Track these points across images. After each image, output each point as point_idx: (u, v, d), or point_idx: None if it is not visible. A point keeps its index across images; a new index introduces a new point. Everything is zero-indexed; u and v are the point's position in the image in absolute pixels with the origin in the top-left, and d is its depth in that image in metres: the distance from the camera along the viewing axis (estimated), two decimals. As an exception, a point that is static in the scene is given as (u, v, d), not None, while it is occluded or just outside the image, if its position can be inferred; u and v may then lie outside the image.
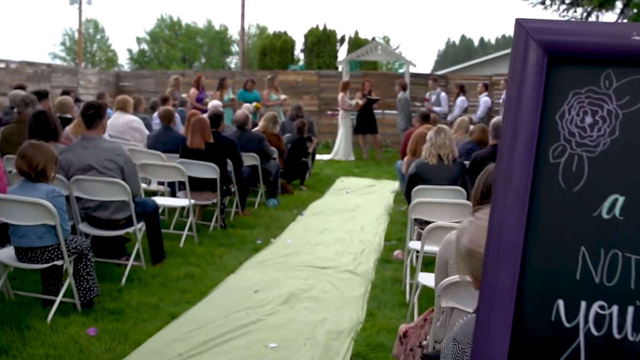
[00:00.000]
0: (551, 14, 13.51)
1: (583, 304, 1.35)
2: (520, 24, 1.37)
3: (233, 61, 57.48)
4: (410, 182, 6.66)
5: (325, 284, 5.98)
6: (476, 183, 3.24)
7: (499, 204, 1.38)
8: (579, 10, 12.91)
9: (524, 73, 1.38)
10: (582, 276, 1.35)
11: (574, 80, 1.36)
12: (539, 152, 1.37)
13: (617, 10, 13.63)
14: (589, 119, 1.35)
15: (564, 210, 1.37)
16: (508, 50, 33.81)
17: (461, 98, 14.90)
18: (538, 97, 1.36)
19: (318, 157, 14.17)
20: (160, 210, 6.52)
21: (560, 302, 1.36)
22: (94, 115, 5.64)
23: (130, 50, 57.80)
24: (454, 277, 3.08)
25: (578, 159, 1.36)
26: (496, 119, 7.56)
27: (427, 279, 4.68)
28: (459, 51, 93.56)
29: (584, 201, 1.36)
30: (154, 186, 8.35)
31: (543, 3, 13.29)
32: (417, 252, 5.89)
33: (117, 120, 9.22)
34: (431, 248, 4.76)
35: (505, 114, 1.40)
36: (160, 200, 7.17)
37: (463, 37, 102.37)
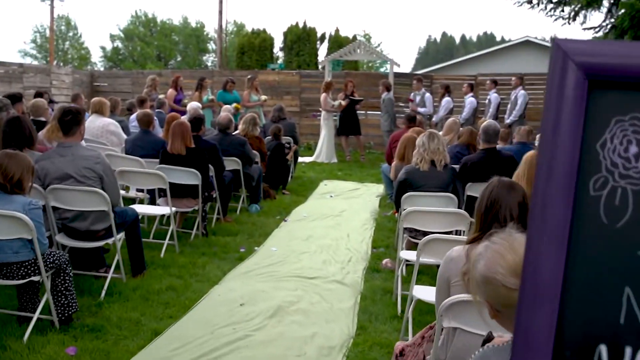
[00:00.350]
0: (538, 12, 13.55)
1: (628, 350, 1.27)
2: (558, 44, 1.28)
3: (210, 59, 57.18)
4: (400, 189, 6.59)
5: (313, 295, 5.88)
6: (480, 196, 3.17)
7: (535, 241, 1.30)
8: (567, 9, 12.93)
9: (562, 98, 1.29)
10: (627, 320, 1.27)
11: (616, 107, 1.28)
12: (578, 184, 1.28)
13: (604, 10, 13.68)
14: (633, 149, 1.27)
15: (606, 247, 1.28)
16: (491, 49, 34.00)
17: (446, 99, 14.88)
18: (578, 124, 1.27)
19: (300, 159, 14.06)
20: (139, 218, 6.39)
21: (603, 348, 1.28)
22: (71, 121, 5.49)
23: (103, 48, 57.33)
24: (458, 297, 3.00)
25: (622, 192, 1.27)
26: (487, 122, 7.51)
27: (421, 292, 4.60)
28: (440, 48, 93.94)
29: (628, 238, 1.27)
30: (132, 193, 8.21)
31: (530, 2, 13.29)
32: (407, 261, 5.85)
33: (93, 124, 9.05)
34: (425, 259, 4.68)
35: (540, 142, 1.31)
36: (140, 209, 7.03)
37: (444, 34, 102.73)
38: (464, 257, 3.06)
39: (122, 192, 7.44)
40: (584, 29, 13.29)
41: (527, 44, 31.18)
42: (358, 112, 15.60)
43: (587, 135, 1.29)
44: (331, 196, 11.20)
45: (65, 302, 4.76)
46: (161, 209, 7.27)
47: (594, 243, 1.29)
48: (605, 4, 13.58)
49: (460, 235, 5.63)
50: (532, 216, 1.30)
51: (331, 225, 8.89)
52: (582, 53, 1.28)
